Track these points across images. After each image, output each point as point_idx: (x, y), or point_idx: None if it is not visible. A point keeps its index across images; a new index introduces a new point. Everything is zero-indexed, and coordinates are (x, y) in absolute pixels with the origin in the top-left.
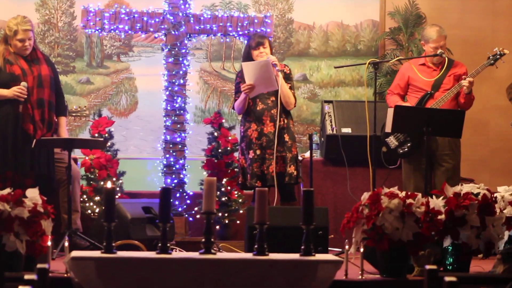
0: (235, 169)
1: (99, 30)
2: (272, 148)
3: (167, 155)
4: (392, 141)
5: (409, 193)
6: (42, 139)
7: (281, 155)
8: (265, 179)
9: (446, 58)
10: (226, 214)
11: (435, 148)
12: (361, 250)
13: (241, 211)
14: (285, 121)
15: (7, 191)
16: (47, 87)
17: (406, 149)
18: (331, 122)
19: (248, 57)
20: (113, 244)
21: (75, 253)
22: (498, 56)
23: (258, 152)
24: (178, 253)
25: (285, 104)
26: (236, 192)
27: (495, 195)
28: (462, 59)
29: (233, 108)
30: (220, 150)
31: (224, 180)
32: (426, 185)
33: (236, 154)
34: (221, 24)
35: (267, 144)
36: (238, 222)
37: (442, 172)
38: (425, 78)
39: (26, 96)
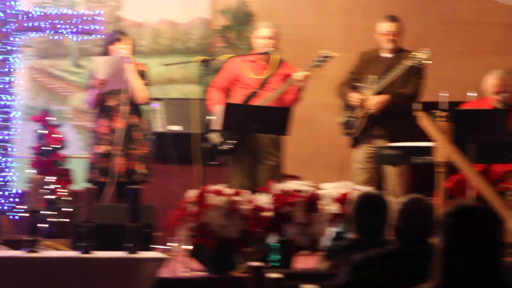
0: (63, 167)
1: None
2: (121, 145)
3: None
4: (216, 138)
5: (235, 190)
6: None
7: (129, 153)
8: (112, 175)
9: (277, 57)
10: (53, 212)
11: (258, 145)
12: (187, 247)
13: (68, 209)
14: (136, 118)
15: None
16: None
17: (229, 146)
18: (160, 119)
19: (105, 52)
20: None
21: None
22: (325, 59)
23: (106, 147)
24: (3, 252)
25: (137, 99)
26: (63, 190)
27: (320, 191)
28: (292, 57)
29: (87, 102)
30: (47, 148)
31: (52, 178)
32: (251, 183)
33: (62, 152)
34: (50, 21)
35: (116, 140)
36: (65, 220)
37: (265, 170)
38: (253, 75)
39: None
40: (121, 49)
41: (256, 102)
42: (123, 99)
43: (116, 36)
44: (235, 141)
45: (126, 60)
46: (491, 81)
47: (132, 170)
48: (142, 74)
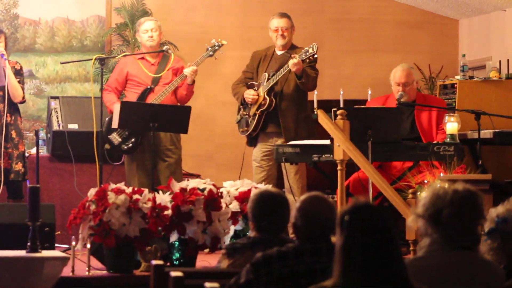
0: None
1: None
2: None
3: None
4: (115, 137)
5: (135, 188)
6: None
7: (8, 152)
8: None
9: (166, 54)
10: None
11: (157, 143)
12: (88, 246)
13: None
14: (13, 117)
15: None
16: None
17: (130, 145)
18: (57, 118)
19: None
20: None
21: None
22: (216, 47)
23: None
24: None
25: (12, 97)
26: None
27: (221, 190)
28: (188, 55)
29: None
30: None
31: None
32: (152, 181)
33: None
34: None
35: None
36: None
37: (165, 167)
38: (146, 72)
39: None
40: None
41: (151, 98)
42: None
43: None
44: (134, 140)
45: (3, 57)
46: (394, 73)
47: (10, 169)
48: (17, 72)
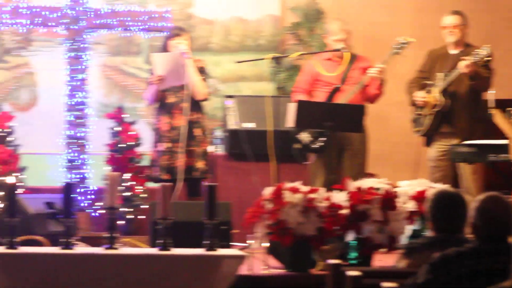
0: (139, 164)
1: None
2: (182, 142)
3: (69, 150)
4: (305, 136)
5: (311, 188)
6: None
7: (190, 149)
8: (173, 172)
9: (349, 53)
10: (129, 209)
11: (345, 143)
12: (265, 244)
13: (145, 206)
14: (196, 115)
15: None
16: None
17: (320, 144)
18: (233, 117)
19: (164, 48)
20: (16, 240)
21: None
22: (403, 45)
23: (168, 145)
24: (81, 248)
25: (196, 94)
26: (139, 187)
27: (396, 189)
28: (363, 54)
29: (146, 99)
30: (122, 145)
31: (127, 175)
32: (335, 178)
33: (138, 149)
34: (120, 18)
35: (177, 138)
36: (141, 217)
37: (351, 168)
38: (330, 72)
39: None
40: (180, 44)
41: (340, 97)
42: (183, 96)
43: (175, 31)
44: (324, 139)
45: (185, 56)
46: None
47: (192, 167)
48: (201, 70)
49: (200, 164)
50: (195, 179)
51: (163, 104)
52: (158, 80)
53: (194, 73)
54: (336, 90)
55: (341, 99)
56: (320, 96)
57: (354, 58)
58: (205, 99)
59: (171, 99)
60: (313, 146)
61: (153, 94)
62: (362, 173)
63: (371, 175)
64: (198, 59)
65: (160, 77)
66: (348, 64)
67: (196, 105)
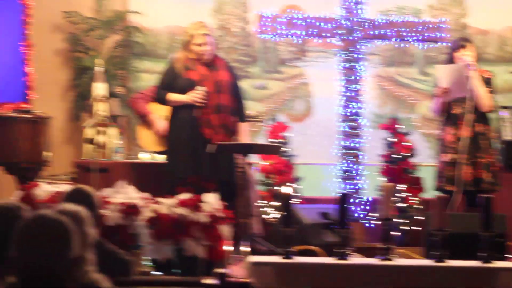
0: (413, 175)
1: (274, 36)
2: (466, 153)
3: (344, 161)
4: None
5: None
6: (222, 144)
7: (476, 161)
8: (459, 183)
9: None
10: (404, 220)
11: None
12: None
13: (419, 217)
14: (483, 126)
15: (186, 196)
16: (226, 92)
17: None
18: (509, 128)
19: (450, 60)
20: (291, 249)
21: (255, 258)
22: None
23: (453, 156)
24: (356, 259)
25: (481, 106)
26: (414, 198)
27: None
28: None
29: (433, 111)
30: (397, 156)
31: (402, 186)
32: None
33: (412, 160)
34: (395, 29)
35: (461, 149)
36: (416, 228)
37: None
38: None
39: (204, 101)
40: (465, 56)
41: None
42: (468, 107)
43: (461, 43)
44: None
45: (470, 67)
46: None
47: (480, 179)
48: (487, 82)
49: (487, 176)
50: (483, 191)
51: (449, 115)
52: (443, 92)
53: (479, 85)
54: None
55: None
56: None
57: None
58: (490, 111)
59: (456, 110)
60: None
61: (439, 106)
62: None
63: None
64: (485, 70)
65: (445, 89)
66: None
67: (482, 117)
